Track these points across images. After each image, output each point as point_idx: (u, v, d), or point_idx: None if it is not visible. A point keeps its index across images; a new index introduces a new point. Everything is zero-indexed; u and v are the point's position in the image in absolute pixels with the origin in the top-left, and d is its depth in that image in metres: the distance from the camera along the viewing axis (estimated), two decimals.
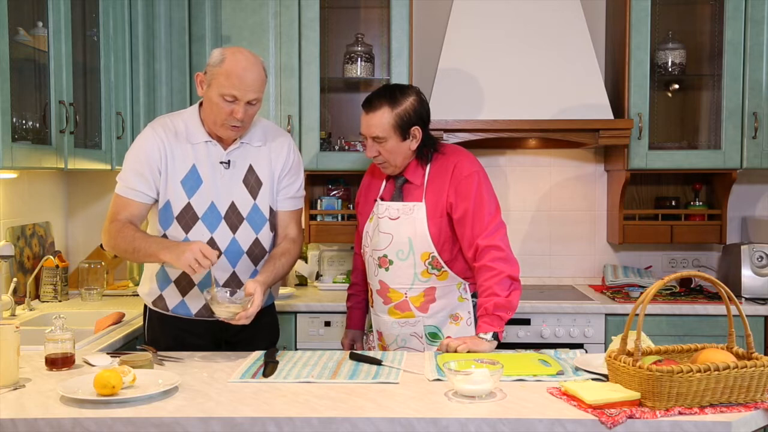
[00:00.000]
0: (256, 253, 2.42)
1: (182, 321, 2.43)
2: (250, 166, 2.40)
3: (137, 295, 3.31)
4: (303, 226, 2.93)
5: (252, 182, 2.40)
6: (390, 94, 2.50)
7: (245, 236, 2.39)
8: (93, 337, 2.49)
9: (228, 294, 2.21)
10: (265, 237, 2.43)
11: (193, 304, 2.41)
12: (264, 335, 2.51)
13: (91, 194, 3.68)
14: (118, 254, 2.36)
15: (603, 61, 3.76)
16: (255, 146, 2.42)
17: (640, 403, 1.72)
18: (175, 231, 2.35)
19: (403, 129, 2.47)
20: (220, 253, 2.33)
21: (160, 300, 2.45)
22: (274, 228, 2.48)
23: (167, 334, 2.45)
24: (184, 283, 2.40)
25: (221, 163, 2.37)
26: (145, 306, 2.54)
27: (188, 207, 2.34)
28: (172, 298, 2.42)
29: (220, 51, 2.30)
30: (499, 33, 3.46)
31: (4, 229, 3.02)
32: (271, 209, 2.44)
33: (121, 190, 2.35)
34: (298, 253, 2.49)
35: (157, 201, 2.36)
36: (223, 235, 2.37)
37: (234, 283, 2.39)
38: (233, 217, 2.37)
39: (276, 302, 2.69)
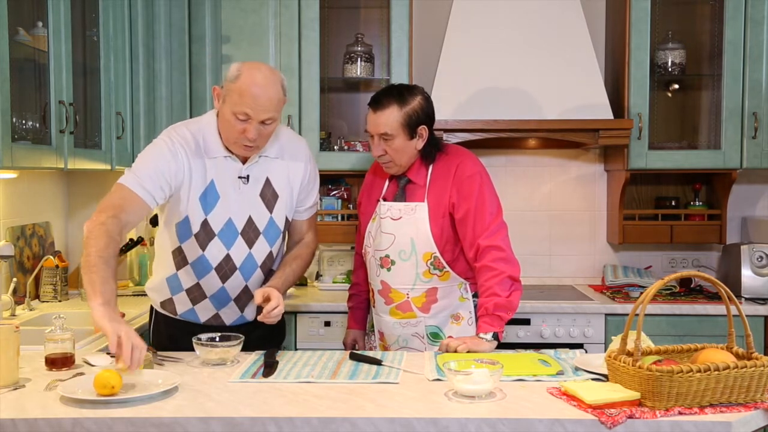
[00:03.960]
0: (268, 265, 2.40)
1: (189, 325, 2.42)
2: (267, 179, 2.35)
3: (137, 295, 3.33)
4: None
5: (269, 195, 2.35)
6: (398, 92, 2.51)
7: (260, 250, 2.36)
8: (93, 337, 2.48)
9: (217, 340, 2.17)
10: (277, 249, 2.42)
11: (203, 313, 2.40)
12: (271, 338, 2.50)
13: (91, 194, 3.67)
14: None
15: (603, 61, 3.76)
16: (272, 158, 2.35)
17: (640, 403, 1.72)
18: (191, 246, 2.30)
19: (410, 128, 2.48)
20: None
21: (169, 303, 2.43)
22: (288, 236, 2.47)
23: (172, 337, 2.43)
24: (196, 293, 2.37)
25: (240, 178, 2.30)
26: (152, 307, 2.53)
27: (205, 223, 2.28)
28: (183, 305, 2.41)
29: (237, 66, 2.19)
30: (499, 33, 3.46)
31: (4, 229, 3.02)
32: (286, 219, 2.41)
33: (130, 182, 2.17)
34: (311, 256, 2.48)
35: (156, 208, 2.30)
36: (239, 251, 2.33)
37: (246, 296, 2.37)
38: (250, 232, 2.33)
39: None
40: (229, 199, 2.29)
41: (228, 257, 2.32)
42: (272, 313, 2.17)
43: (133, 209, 2.17)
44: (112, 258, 2.02)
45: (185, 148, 2.25)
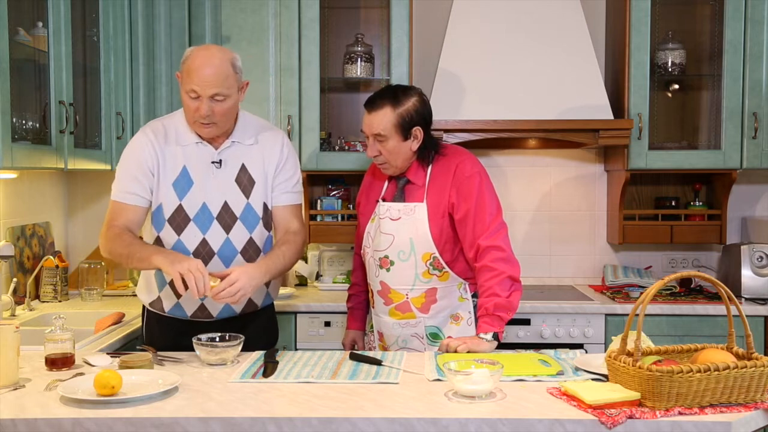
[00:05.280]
0: (251, 253, 2.41)
1: (179, 322, 2.44)
2: (243, 165, 2.39)
3: (137, 295, 3.33)
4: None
5: (245, 181, 2.39)
6: (392, 94, 2.51)
7: (239, 236, 2.38)
8: (93, 337, 2.49)
9: (217, 340, 2.18)
10: (259, 236, 2.42)
11: (188, 307, 2.41)
12: (262, 337, 2.50)
13: (91, 194, 3.68)
14: (113, 258, 2.31)
15: (603, 61, 3.76)
16: (247, 145, 2.41)
17: (640, 403, 1.72)
18: (168, 233, 2.35)
19: (404, 129, 2.48)
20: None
21: (157, 302, 2.45)
22: (271, 226, 2.47)
23: (165, 335, 2.45)
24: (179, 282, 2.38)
25: (213, 162, 2.36)
26: (144, 307, 2.54)
27: (179, 209, 2.34)
28: (168, 300, 2.42)
29: (189, 49, 2.31)
30: (499, 33, 3.46)
31: (4, 229, 3.02)
32: (265, 208, 2.42)
33: (117, 195, 2.35)
34: (302, 243, 2.45)
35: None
36: (215, 235, 2.36)
37: None
38: (226, 217, 2.36)
39: (276, 302, 2.69)
40: (203, 184, 2.35)
41: (204, 242, 2.35)
42: (220, 295, 2.15)
43: (132, 217, 2.34)
44: (136, 238, 2.30)
45: (155, 137, 2.36)
